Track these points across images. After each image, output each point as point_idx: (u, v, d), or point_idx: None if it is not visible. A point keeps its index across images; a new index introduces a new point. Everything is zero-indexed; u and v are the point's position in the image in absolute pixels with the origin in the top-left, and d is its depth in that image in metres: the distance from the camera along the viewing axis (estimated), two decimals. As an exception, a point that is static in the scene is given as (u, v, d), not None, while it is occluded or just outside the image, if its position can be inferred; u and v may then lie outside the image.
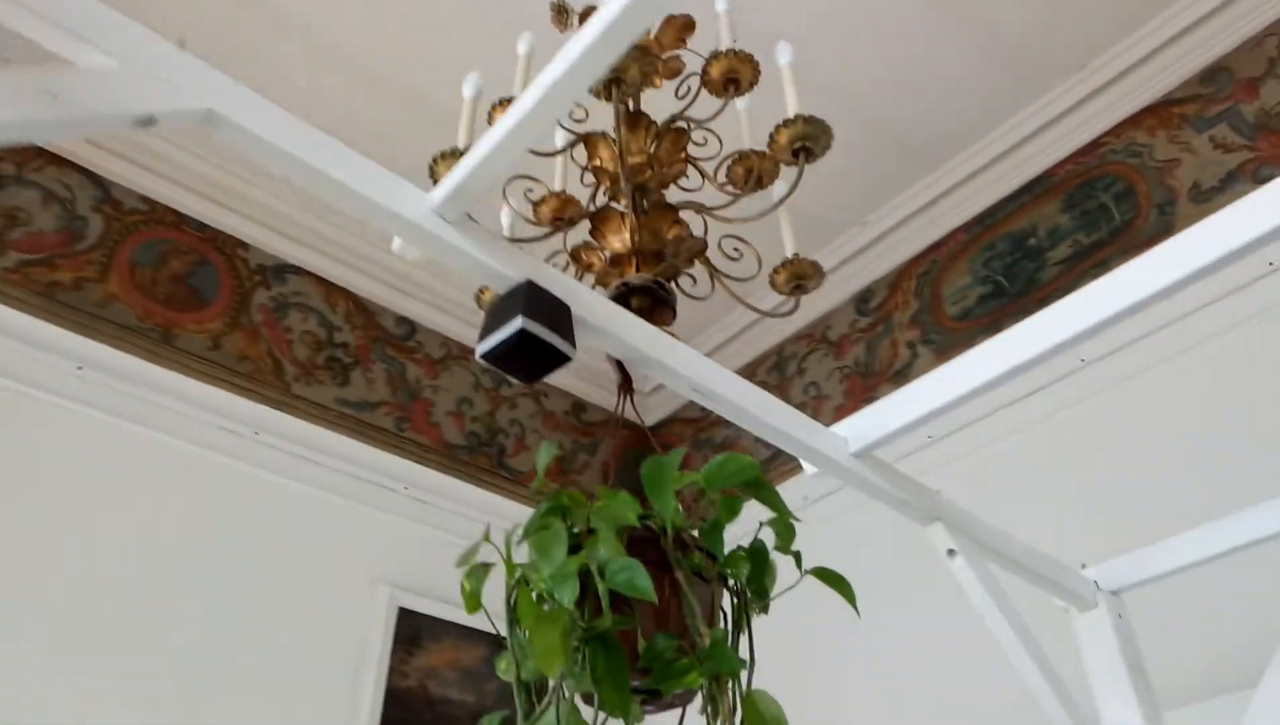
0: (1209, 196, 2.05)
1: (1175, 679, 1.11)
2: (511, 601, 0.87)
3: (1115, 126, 2.21)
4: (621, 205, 1.15)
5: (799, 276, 1.19)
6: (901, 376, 2.51)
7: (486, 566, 0.94)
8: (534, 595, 0.81)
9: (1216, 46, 2.07)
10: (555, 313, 0.75)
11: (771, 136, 1.18)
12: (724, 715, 0.67)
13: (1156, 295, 0.87)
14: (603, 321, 0.80)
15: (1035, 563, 1.08)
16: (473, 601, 0.95)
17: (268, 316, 2.59)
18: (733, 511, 0.83)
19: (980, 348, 0.94)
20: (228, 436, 2.40)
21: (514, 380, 0.81)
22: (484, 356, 0.76)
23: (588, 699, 0.74)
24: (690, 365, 0.85)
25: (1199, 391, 1.90)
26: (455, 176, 0.72)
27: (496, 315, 0.75)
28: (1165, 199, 2.12)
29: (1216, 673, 1.43)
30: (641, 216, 1.12)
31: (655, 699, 0.78)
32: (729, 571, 0.82)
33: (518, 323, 0.72)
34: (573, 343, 0.74)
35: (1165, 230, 2.11)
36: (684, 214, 1.17)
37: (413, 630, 2.44)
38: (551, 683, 0.78)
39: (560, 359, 0.75)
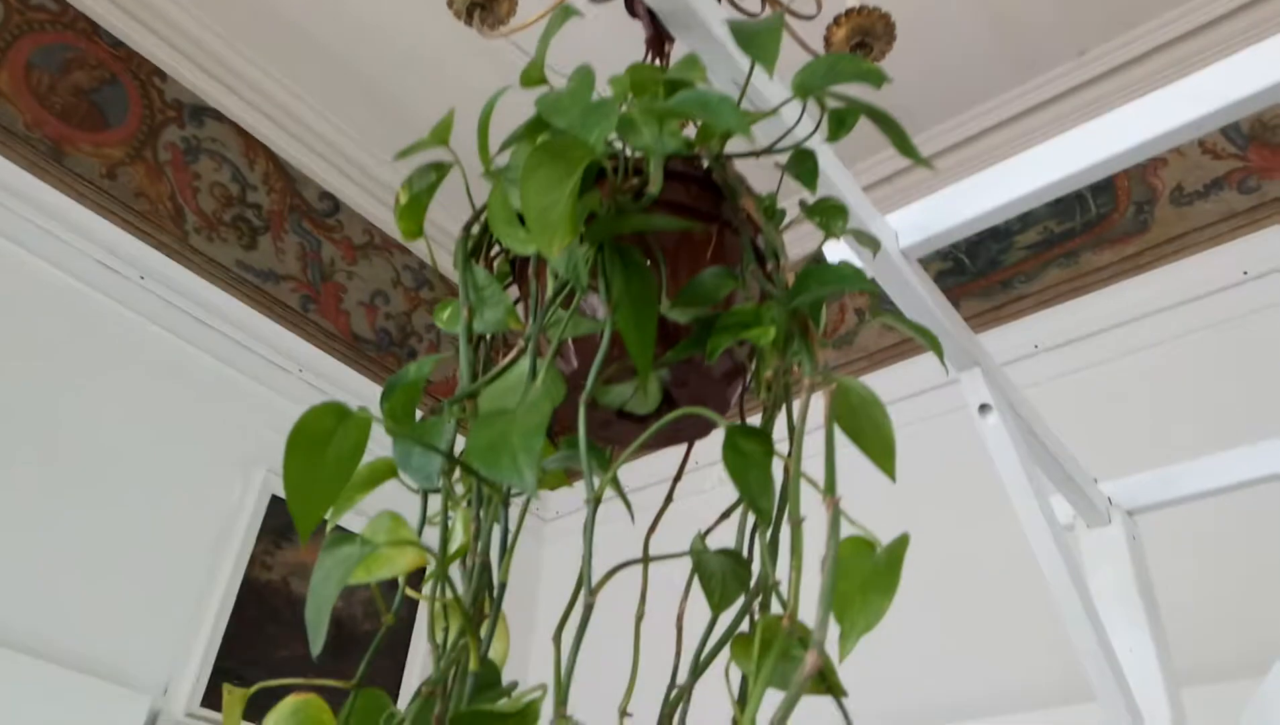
0: (1190, 201, 2.02)
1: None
2: (475, 232, 0.59)
3: (1108, 116, 2.17)
4: None
5: (864, 33, 1.02)
6: (845, 342, 2.41)
7: (440, 168, 0.61)
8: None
9: (1221, 52, 2.04)
10: None
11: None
12: (801, 403, 0.46)
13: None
14: None
15: (1060, 457, 0.97)
16: (412, 218, 0.60)
17: (176, 157, 2.32)
18: (843, 125, 0.56)
19: (1039, 149, 0.82)
20: (109, 275, 2.12)
21: None
22: None
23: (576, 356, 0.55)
24: (732, 53, 0.67)
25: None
26: None
27: None
28: (1145, 197, 2.08)
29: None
30: None
31: (677, 382, 0.53)
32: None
33: None
34: None
35: (1141, 229, 2.07)
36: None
37: (284, 522, 2.20)
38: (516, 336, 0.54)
39: None
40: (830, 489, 0.42)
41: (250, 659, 2.04)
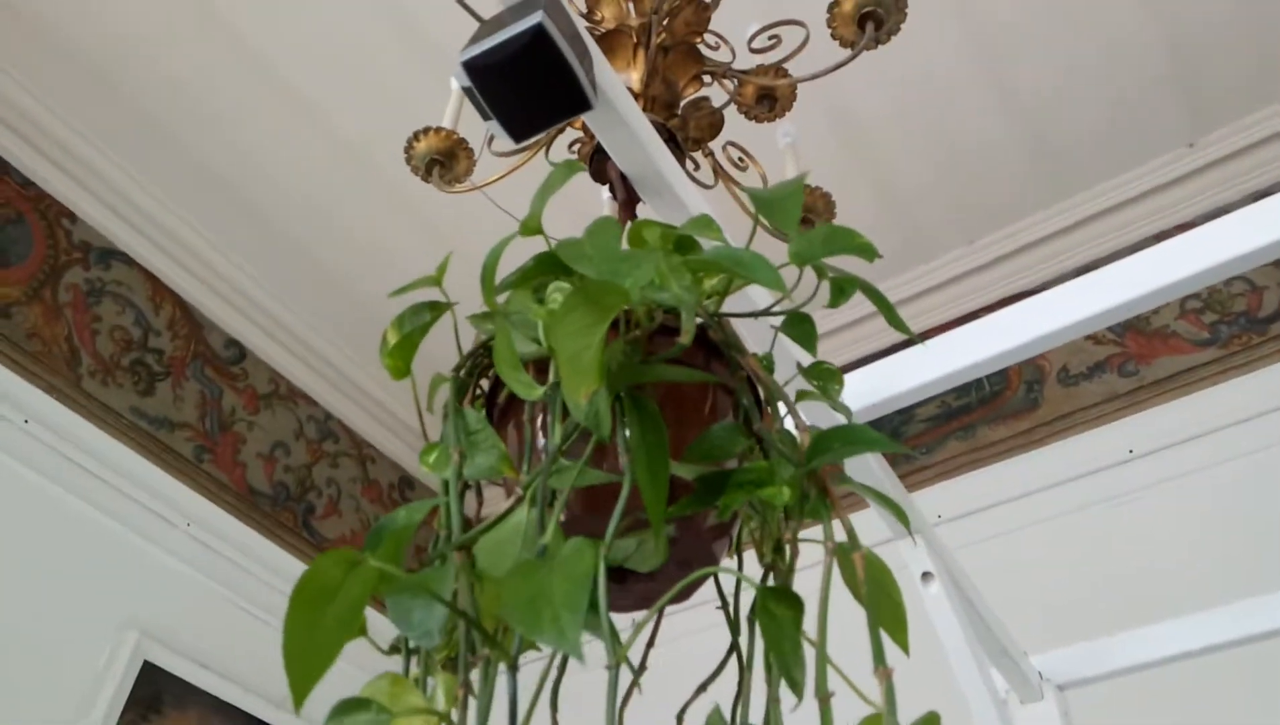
0: (1076, 381, 2.15)
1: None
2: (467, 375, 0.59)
3: (997, 302, 2.32)
4: (635, 27, 0.97)
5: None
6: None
7: (437, 308, 0.59)
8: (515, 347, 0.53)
9: (1098, 248, 2.24)
10: (578, 45, 0.56)
11: (834, 2, 0.98)
12: (825, 576, 0.44)
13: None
14: (623, 108, 0.64)
15: (995, 629, 0.98)
16: (401, 357, 0.58)
17: (77, 298, 2.24)
18: (843, 293, 0.56)
19: (989, 319, 0.88)
20: (-10, 417, 1.99)
21: (492, 124, 0.57)
22: (470, 64, 0.54)
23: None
24: (701, 209, 0.71)
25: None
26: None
27: (496, 22, 0.55)
28: (1034, 377, 2.22)
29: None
30: (659, 55, 0.96)
31: (682, 535, 0.52)
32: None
33: (535, 19, 0.53)
34: (594, 89, 0.56)
35: (1032, 406, 2.19)
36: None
37: (154, 690, 2.03)
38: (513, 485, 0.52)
39: (576, 99, 0.55)
40: (880, 660, 0.41)
41: (105, 849, 1.83)
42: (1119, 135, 2.17)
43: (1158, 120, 2.15)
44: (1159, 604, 1.24)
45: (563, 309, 0.45)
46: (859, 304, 2.39)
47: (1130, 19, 2.00)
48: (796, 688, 0.43)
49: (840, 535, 0.51)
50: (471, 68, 0.56)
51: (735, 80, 1.14)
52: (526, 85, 0.57)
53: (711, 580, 0.57)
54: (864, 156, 2.25)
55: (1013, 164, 2.24)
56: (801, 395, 0.60)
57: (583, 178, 0.95)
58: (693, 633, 1.01)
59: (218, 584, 2.23)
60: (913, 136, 2.21)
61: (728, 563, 0.60)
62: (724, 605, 0.56)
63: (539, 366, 0.58)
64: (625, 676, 0.51)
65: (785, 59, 1.18)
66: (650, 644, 0.59)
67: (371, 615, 0.43)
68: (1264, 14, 1.97)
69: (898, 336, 2.31)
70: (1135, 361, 2.10)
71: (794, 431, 0.55)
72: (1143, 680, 1.08)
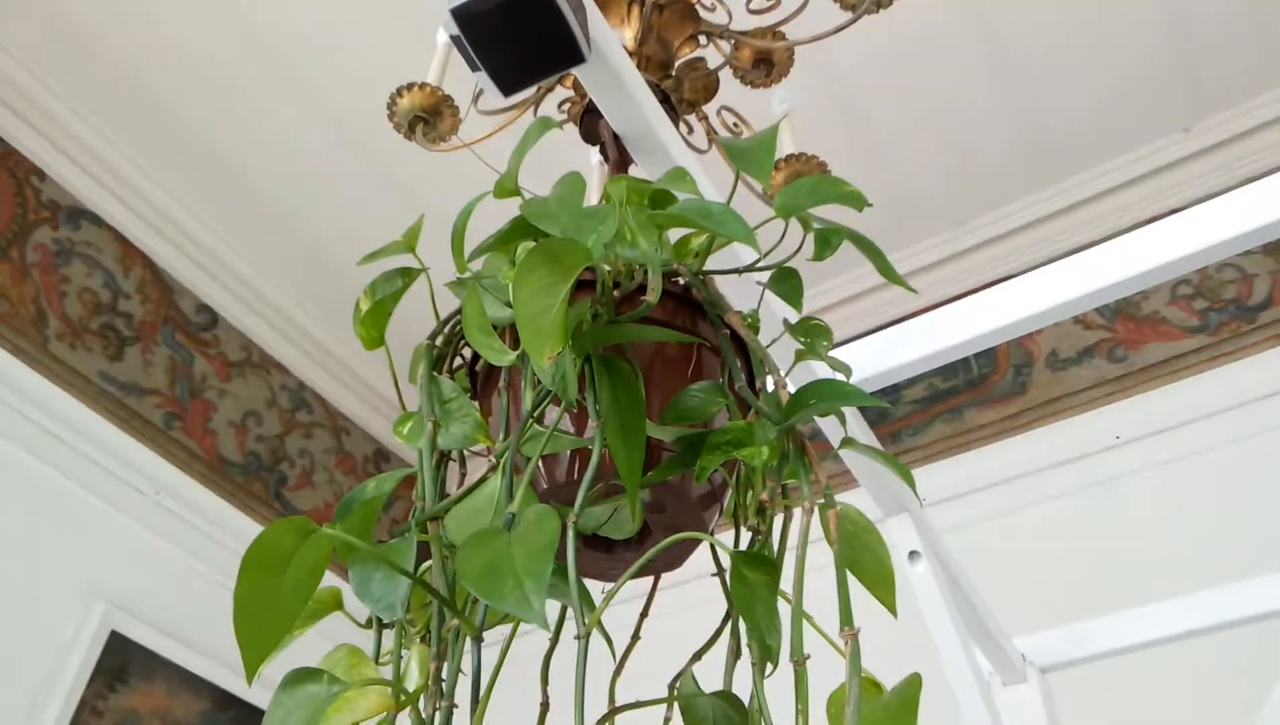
0: (1065, 366, 2.13)
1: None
2: (440, 345, 0.56)
3: (989, 283, 2.29)
4: None
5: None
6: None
7: (408, 274, 0.57)
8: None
9: (1090, 232, 2.21)
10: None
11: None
12: (801, 532, 0.42)
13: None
14: (617, 64, 0.60)
15: (980, 610, 0.96)
16: (374, 325, 0.56)
17: (45, 259, 2.18)
18: (828, 245, 0.53)
19: (999, 289, 0.86)
20: (-48, 377, 1.93)
21: (481, 76, 0.54)
22: (460, 12, 0.51)
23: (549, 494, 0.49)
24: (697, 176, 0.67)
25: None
26: None
27: None
28: (1023, 360, 2.19)
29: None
30: (654, 13, 0.92)
31: (654, 510, 0.49)
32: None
33: None
34: (588, 42, 0.53)
35: (1020, 391, 2.17)
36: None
37: (121, 661, 1.98)
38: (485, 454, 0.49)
39: (569, 51, 0.52)
40: (847, 621, 0.38)
41: (67, 821, 1.79)
42: (1115, 118, 2.14)
43: (1154, 104, 2.12)
44: (1142, 588, 1.22)
45: (521, 268, 0.41)
46: (855, 280, 2.36)
47: (1129, 2, 1.97)
48: (770, 654, 0.40)
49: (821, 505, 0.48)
50: (461, 15, 0.52)
51: (732, 42, 1.10)
52: (518, 35, 0.53)
53: (709, 550, 0.54)
54: (858, 133, 2.21)
55: (1007, 145, 2.21)
56: (800, 355, 0.57)
57: (572, 141, 0.91)
58: (692, 606, 0.99)
59: (187, 554, 2.18)
60: (908, 114, 2.17)
61: (714, 536, 0.57)
62: (720, 573, 0.52)
63: (514, 332, 0.55)
64: (619, 649, 0.48)
65: (783, 21, 1.13)
66: (644, 614, 0.56)
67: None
68: (1263, 1, 1.94)
69: (889, 315, 2.28)
70: (1124, 347, 2.08)
71: (777, 390, 0.52)
72: (1125, 663, 1.06)
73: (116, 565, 2.05)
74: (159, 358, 2.31)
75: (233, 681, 2.15)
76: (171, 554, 2.16)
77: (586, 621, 0.40)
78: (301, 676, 0.37)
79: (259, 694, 2.14)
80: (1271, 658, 1.57)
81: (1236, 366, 1.93)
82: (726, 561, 0.47)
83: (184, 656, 2.08)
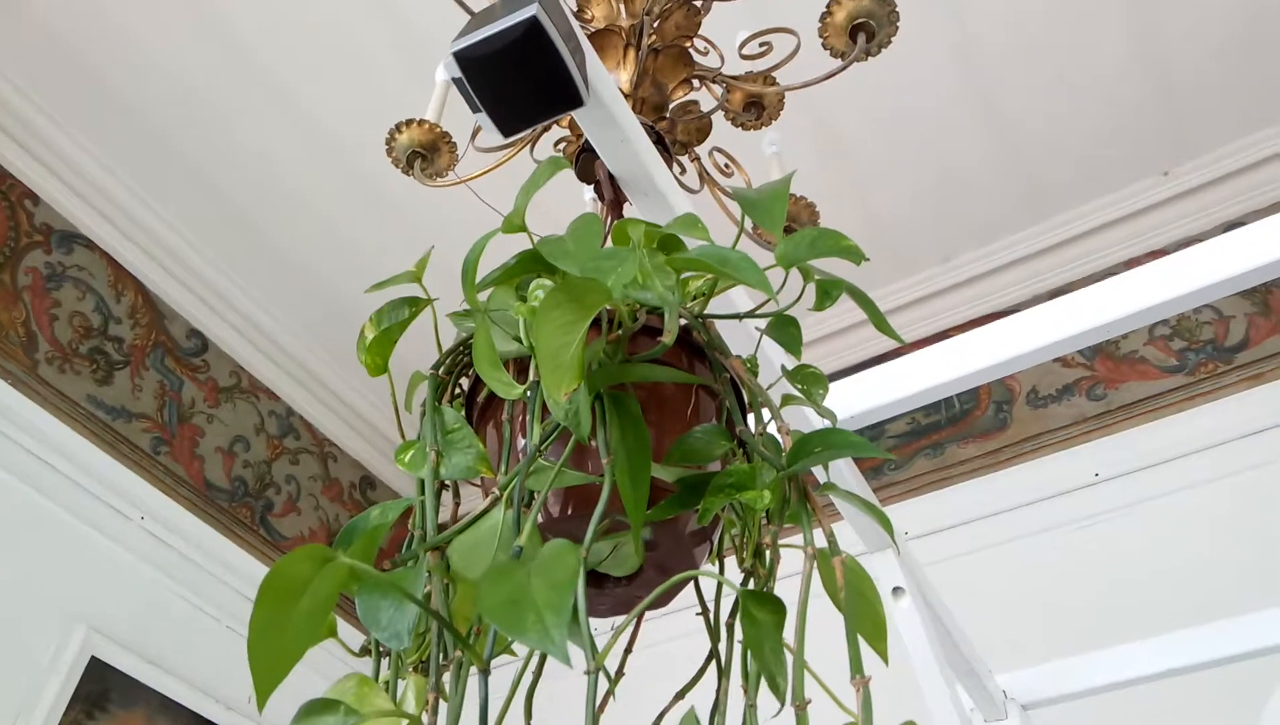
0: (1045, 403, 2.16)
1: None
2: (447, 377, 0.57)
3: (970, 321, 2.33)
4: (626, 28, 0.93)
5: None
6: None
7: (416, 304, 0.59)
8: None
9: (1072, 272, 2.25)
10: (571, 40, 0.55)
11: (826, 12, 0.94)
12: (804, 580, 0.43)
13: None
14: (614, 107, 0.62)
15: (962, 646, 0.97)
16: (379, 353, 0.58)
17: (37, 282, 2.19)
18: (828, 296, 0.56)
19: (977, 333, 0.87)
20: (-61, 399, 1.93)
21: (481, 117, 0.56)
22: (462, 55, 0.53)
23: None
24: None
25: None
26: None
27: (489, 14, 0.54)
28: (1004, 397, 2.22)
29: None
30: (650, 57, 0.94)
31: (652, 550, 0.51)
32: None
33: (530, 11, 0.51)
34: (587, 85, 0.55)
35: (1001, 426, 2.20)
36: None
37: (101, 687, 1.97)
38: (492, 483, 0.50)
39: (568, 94, 0.54)
40: (858, 669, 0.40)
41: (42, 850, 1.77)
42: (1097, 160, 2.19)
43: (1135, 149, 2.17)
44: (1122, 626, 1.24)
45: (544, 306, 0.43)
46: (839, 315, 2.39)
47: (1114, 47, 2.02)
48: (779, 692, 0.42)
49: (821, 542, 0.49)
50: (463, 58, 0.54)
51: (724, 86, 1.13)
52: (518, 78, 0.55)
53: (691, 586, 0.55)
54: (845, 170, 2.25)
55: (992, 184, 2.25)
56: (786, 400, 0.59)
57: (567, 181, 0.93)
58: (672, 638, 0.99)
59: (171, 580, 2.17)
60: (895, 152, 2.21)
61: (708, 568, 0.58)
62: (704, 611, 0.54)
63: (519, 365, 0.56)
64: (601, 683, 0.49)
65: (775, 67, 1.17)
66: (628, 649, 0.57)
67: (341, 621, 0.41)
68: (1245, 48, 2.00)
69: (871, 352, 2.31)
70: (1104, 385, 2.11)
71: (777, 435, 0.53)
72: (1105, 702, 1.07)
73: (99, 590, 2.04)
74: (148, 382, 2.31)
75: (212, 709, 2.13)
76: (155, 579, 2.15)
77: (594, 657, 0.41)
78: (318, 707, 0.38)
79: (238, 722, 2.13)
80: (1252, 696, 1.59)
81: (1214, 406, 1.97)
82: (727, 601, 0.48)
83: (165, 683, 2.07)
